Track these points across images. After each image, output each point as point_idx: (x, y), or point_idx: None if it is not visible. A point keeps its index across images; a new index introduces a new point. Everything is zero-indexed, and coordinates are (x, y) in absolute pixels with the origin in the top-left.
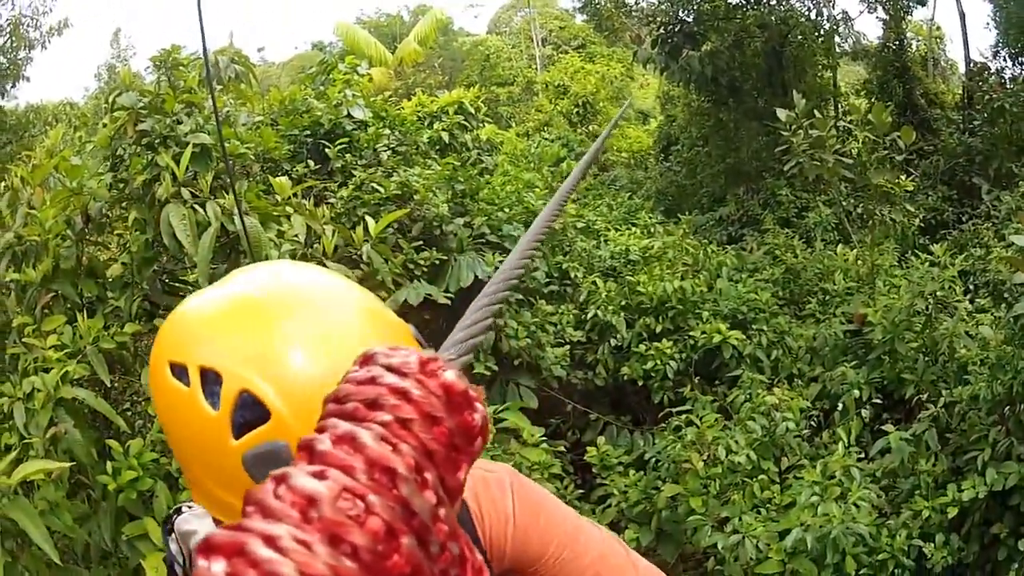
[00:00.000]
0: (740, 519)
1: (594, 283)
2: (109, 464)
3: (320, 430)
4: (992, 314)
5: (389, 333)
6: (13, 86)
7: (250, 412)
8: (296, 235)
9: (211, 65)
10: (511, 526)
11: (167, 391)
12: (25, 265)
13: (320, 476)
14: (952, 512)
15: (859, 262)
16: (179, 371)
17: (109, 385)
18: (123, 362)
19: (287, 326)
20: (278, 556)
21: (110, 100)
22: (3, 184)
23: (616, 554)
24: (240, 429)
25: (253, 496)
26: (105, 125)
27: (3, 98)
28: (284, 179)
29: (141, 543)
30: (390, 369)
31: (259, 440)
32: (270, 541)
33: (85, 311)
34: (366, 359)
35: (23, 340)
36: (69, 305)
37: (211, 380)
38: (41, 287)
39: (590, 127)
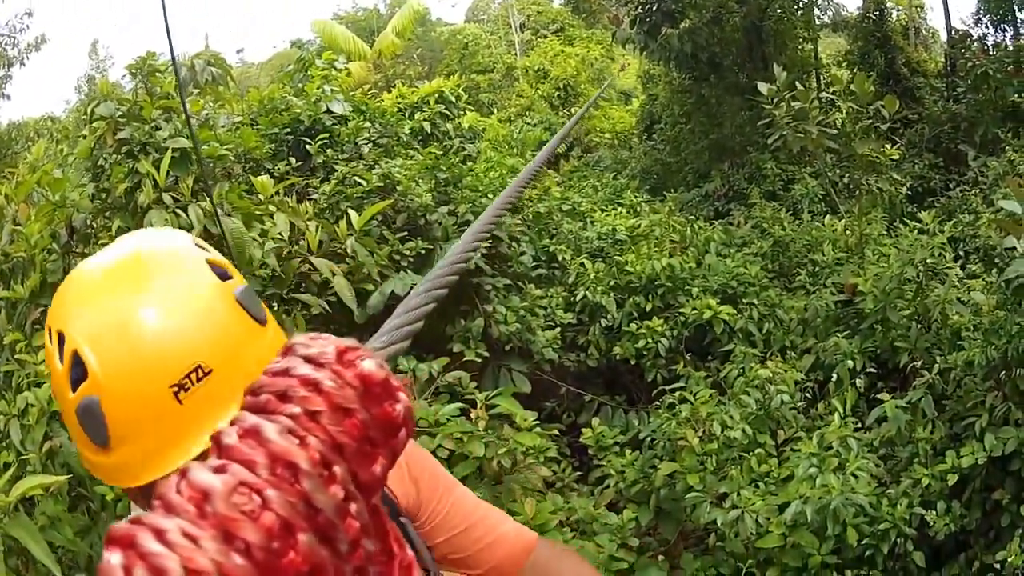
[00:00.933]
0: (739, 494)
1: (582, 265)
2: None
3: (232, 422)
4: (984, 279)
5: (228, 311)
6: None
7: (79, 369)
8: (280, 233)
9: (188, 69)
10: (406, 471)
11: (47, 352)
12: (13, 282)
13: (220, 470)
14: (952, 479)
15: (847, 232)
16: (49, 333)
17: None
18: None
19: (122, 292)
20: (164, 550)
21: (89, 111)
22: None
23: (492, 507)
24: (74, 385)
25: (158, 490)
26: (85, 137)
27: None
28: (266, 178)
29: None
30: (307, 359)
31: (81, 395)
32: (159, 535)
33: None
34: (286, 349)
35: (15, 357)
36: None
37: (61, 341)
38: (30, 302)
39: (572, 110)
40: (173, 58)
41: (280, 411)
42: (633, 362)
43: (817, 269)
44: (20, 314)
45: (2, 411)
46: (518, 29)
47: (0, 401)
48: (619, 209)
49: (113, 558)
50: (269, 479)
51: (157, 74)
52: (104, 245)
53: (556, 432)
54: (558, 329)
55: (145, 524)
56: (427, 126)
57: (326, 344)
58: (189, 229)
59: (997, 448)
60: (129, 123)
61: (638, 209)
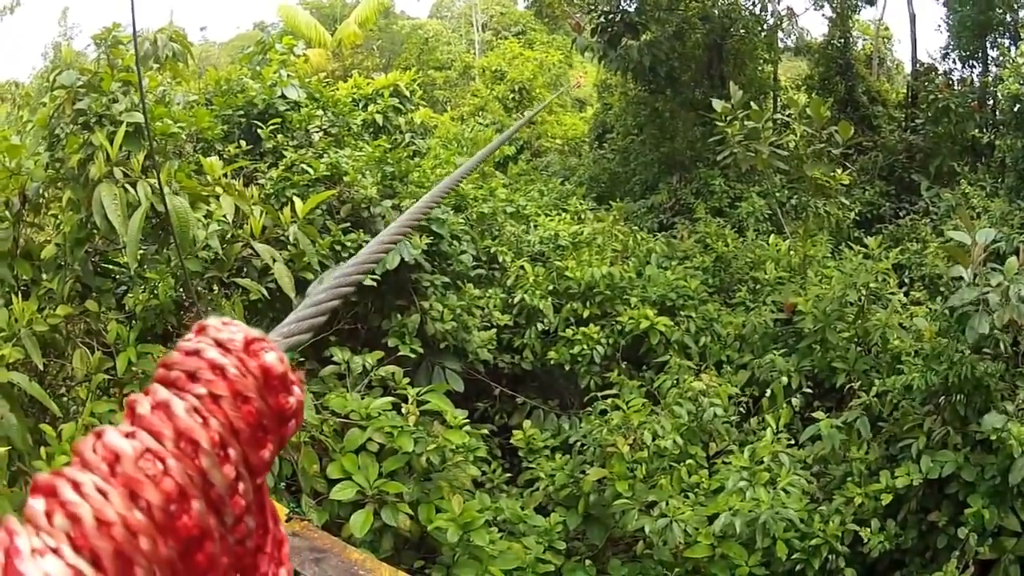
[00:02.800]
0: (667, 503)
1: (522, 267)
2: (43, 450)
3: (146, 393)
4: (927, 307)
5: None
6: None
7: None
8: (224, 215)
9: (151, 43)
10: None
11: None
12: None
13: (130, 436)
14: (886, 499)
15: (791, 252)
16: None
17: (42, 368)
18: (56, 345)
19: None
20: (80, 500)
21: (51, 79)
22: None
23: None
24: None
25: (76, 447)
26: (45, 104)
27: None
28: (215, 159)
29: None
30: (217, 343)
31: None
32: (76, 487)
33: (20, 294)
34: (201, 328)
35: None
36: (6, 288)
37: None
38: None
39: (525, 113)
40: (135, 32)
41: (188, 390)
42: (567, 367)
43: (758, 287)
44: None
45: None
46: (479, 28)
47: None
48: (563, 215)
49: (36, 504)
50: (173, 451)
51: (120, 46)
52: (55, 216)
53: (487, 432)
54: (494, 330)
55: (64, 476)
56: (379, 118)
57: (236, 332)
58: (137, 205)
59: (934, 471)
60: (88, 93)
61: (582, 216)
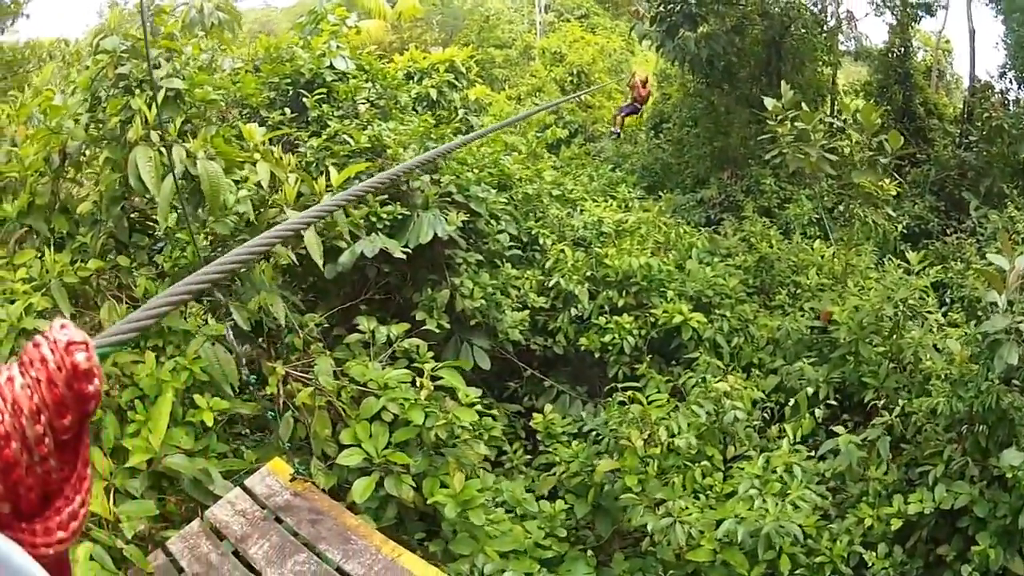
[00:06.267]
0: (675, 503)
1: (562, 251)
2: None
3: (8, 367)
4: (963, 329)
5: None
6: (12, 23)
7: None
8: (259, 181)
9: (197, 11)
10: None
11: None
12: (3, 201)
13: None
14: (896, 524)
15: (835, 260)
16: None
17: (69, 317)
18: (86, 297)
19: None
20: None
21: (95, 43)
22: None
23: None
24: None
25: None
26: (88, 67)
27: (2, 34)
28: (254, 126)
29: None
30: (51, 341)
31: None
32: None
33: (54, 246)
34: (51, 327)
35: None
36: (42, 240)
37: None
38: (17, 221)
39: (581, 97)
40: (142, 5)
41: (26, 372)
42: (598, 355)
43: (798, 291)
44: (6, 232)
45: None
46: (542, 9)
47: None
48: (611, 202)
49: None
50: (8, 411)
51: (164, 13)
52: (93, 174)
53: (513, 412)
54: (527, 311)
55: None
56: (433, 93)
57: (67, 334)
58: (172, 168)
59: (947, 501)
60: (131, 59)
61: (629, 204)
